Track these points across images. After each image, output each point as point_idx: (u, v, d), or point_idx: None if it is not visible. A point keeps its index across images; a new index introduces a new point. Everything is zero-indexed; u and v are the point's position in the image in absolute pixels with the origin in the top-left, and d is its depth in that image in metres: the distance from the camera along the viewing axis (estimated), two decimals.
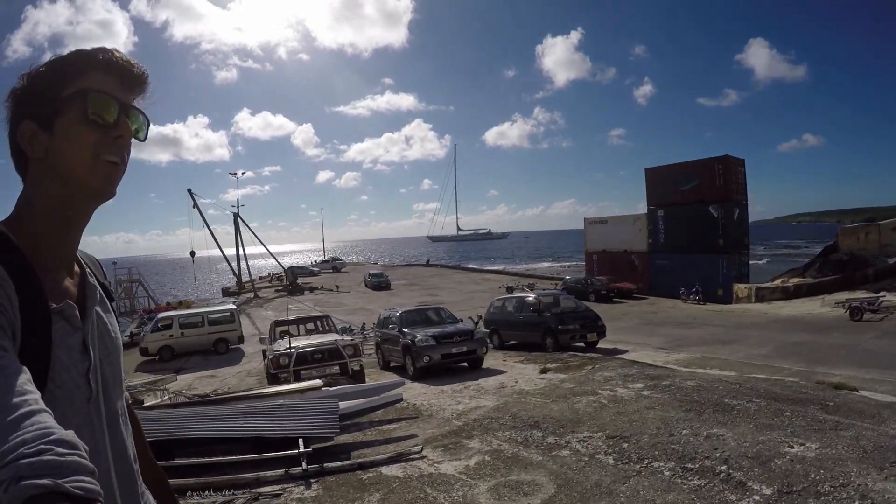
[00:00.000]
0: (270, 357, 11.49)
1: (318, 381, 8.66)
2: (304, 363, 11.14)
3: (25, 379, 0.65)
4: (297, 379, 10.29)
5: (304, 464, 5.26)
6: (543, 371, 9.97)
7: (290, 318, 14.97)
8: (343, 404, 6.65)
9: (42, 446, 0.54)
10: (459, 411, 7.26)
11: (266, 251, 44.24)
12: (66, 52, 0.93)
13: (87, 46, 0.95)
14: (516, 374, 10.15)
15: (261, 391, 8.58)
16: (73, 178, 0.88)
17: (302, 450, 5.46)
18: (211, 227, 38.08)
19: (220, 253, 40.19)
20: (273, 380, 11.15)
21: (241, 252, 41.27)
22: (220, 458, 5.50)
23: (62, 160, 0.87)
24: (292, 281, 41.45)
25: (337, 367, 11.26)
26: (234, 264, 41.26)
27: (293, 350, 11.10)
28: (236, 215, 40.75)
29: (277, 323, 14.52)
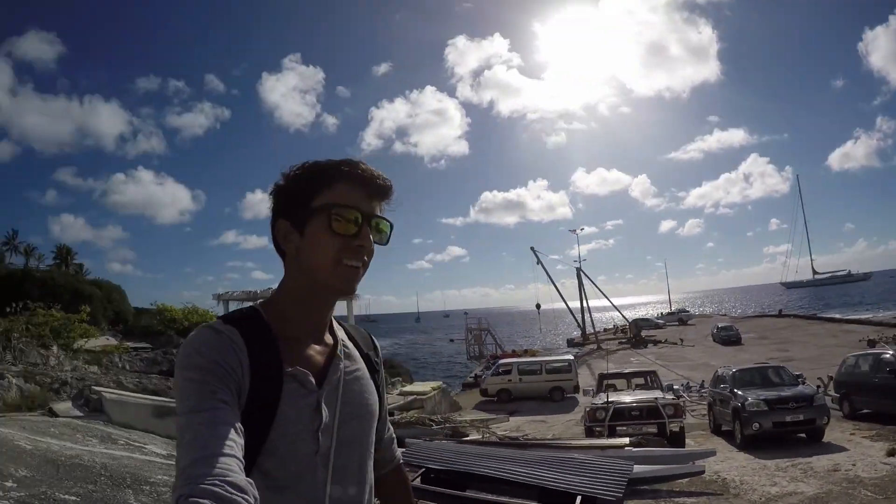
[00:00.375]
0: (587, 409, 11.58)
1: (624, 440, 8.24)
2: (620, 419, 10.87)
3: (230, 429, 0.78)
4: (612, 434, 10.22)
5: None
6: (891, 454, 7.70)
7: (614, 371, 14.63)
8: (639, 468, 6.12)
9: (217, 482, 0.68)
10: (770, 495, 6.21)
11: (610, 304, 44.53)
12: (338, 157, 1.06)
13: (337, 158, 1.06)
14: (857, 454, 8.21)
15: (562, 442, 8.59)
16: (317, 278, 0.99)
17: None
18: (556, 282, 40.72)
19: (564, 305, 42.25)
20: (589, 432, 11.15)
21: (584, 304, 42.93)
22: (504, 499, 5.66)
23: (308, 261, 0.99)
24: (636, 333, 41.49)
25: (654, 427, 10.62)
26: (579, 316, 42.82)
27: (610, 405, 10.91)
28: (579, 269, 42.85)
29: (604, 376, 14.41)
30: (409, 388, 19.92)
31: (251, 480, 0.73)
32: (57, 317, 14.31)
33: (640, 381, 14.14)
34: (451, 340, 46.01)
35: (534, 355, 31.33)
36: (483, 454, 6.97)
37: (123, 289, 34.17)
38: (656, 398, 11.23)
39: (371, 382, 1.11)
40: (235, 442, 0.77)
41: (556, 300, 41.88)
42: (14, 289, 21.94)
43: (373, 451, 1.09)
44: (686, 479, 6.44)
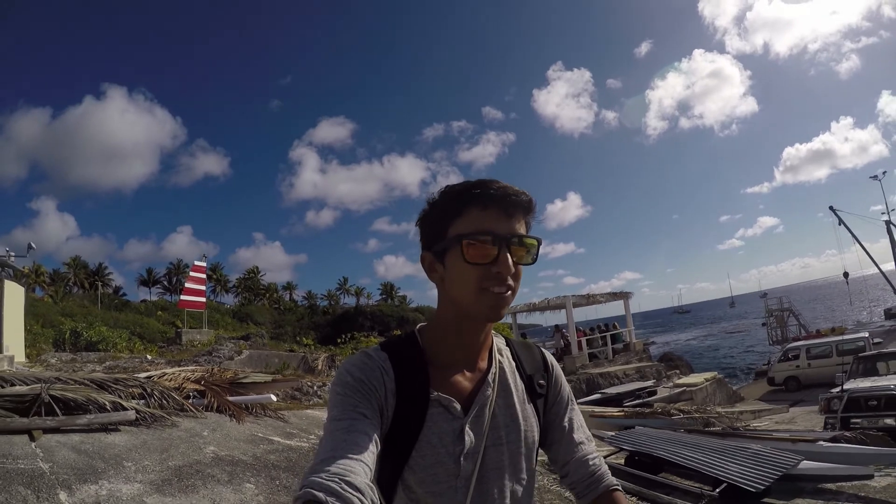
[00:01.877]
0: (822, 399, 9.98)
1: (816, 432, 7.48)
2: (855, 409, 9.24)
3: (363, 437, 0.86)
4: (845, 427, 8.74)
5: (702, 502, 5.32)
6: None
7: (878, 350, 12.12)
8: (809, 464, 5.89)
9: (336, 479, 0.75)
10: None
11: None
12: (477, 177, 1.04)
13: (474, 179, 1.02)
14: None
15: (761, 432, 8.14)
16: (461, 306, 1.01)
17: (707, 490, 5.48)
18: (863, 244, 32.87)
19: (877, 270, 34.06)
20: (826, 424, 9.69)
21: None
22: (676, 482, 6.09)
23: (452, 291, 1.02)
24: None
25: (893, 420, 8.81)
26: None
27: (844, 393, 9.38)
28: (887, 222, 33.74)
29: (860, 358, 12.03)
30: (682, 380, 19.47)
31: (371, 485, 0.79)
32: (374, 341, 18.56)
33: None
34: (763, 324, 41.18)
35: (842, 333, 26.60)
36: (677, 440, 7.37)
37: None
38: None
39: (529, 408, 1.10)
40: (365, 448, 0.84)
41: (866, 266, 33.92)
42: (349, 322, 28.38)
43: (529, 478, 1.08)
44: (866, 483, 5.85)
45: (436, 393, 1.00)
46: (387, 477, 0.98)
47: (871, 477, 5.86)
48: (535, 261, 1.04)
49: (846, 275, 35.06)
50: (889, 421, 8.88)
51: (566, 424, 1.16)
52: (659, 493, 5.61)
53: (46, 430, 4.57)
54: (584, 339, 20.84)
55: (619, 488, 1.14)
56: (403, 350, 1.04)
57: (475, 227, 0.97)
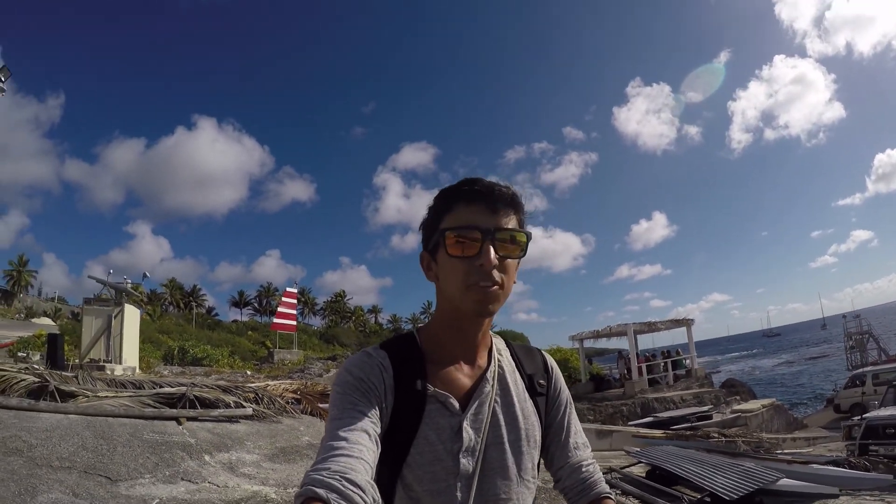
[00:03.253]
0: (844, 426, 10.48)
1: (823, 456, 8.30)
2: (874, 437, 9.67)
3: (363, 435, 0.87)
4: (863, 453, 9.31)
5: None
6: None
7: None
8: (788, 482, 6.92)
9: (338, 477, 0.76)
10: None
11: None
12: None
13: (473, 176, 1.06)
14: None
15: (779, 454, 9.00)
16: (453, 302, 1.03)
17: (689, 495, 6.65)
18: None
19: None
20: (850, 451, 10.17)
21: None
22: (676, 491, 7.19)
23: (444, 287, 1.04)
24: None
25: None
26: None
27: (863, 421, 9.89)
28: None
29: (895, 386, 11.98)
30: (740, 406, 19.74)
31: (372, 482, 0.80)
32: None
33: None
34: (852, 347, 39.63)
35: None
36: (689, 457, 8.42)
37: (526, 335, 39.81)
38: None
39: (529, 406, 1.11)
40: (365, 447, 0.85)
41: None
42: None
43: (530, 478, 1.07)
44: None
45: (433, 389, 1.01)
46: (386, 475, 0.98)
47: (835, 496, 6.81)
48: (524, 254, 1.04)
49: None
50: None
51: (563, 428, 1.16)
52: (656, 499, 6.80)
53: (189, 419, 6.49)
54: (644, 366, 21.53)
55: (611, 496, 1.14)
56: (402, 348, 1.05)
57: (459, 221, 1.00)
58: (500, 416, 1.06)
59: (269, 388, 8.36)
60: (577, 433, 1.19)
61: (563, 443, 1.17)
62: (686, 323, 23.91)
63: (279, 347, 30.18)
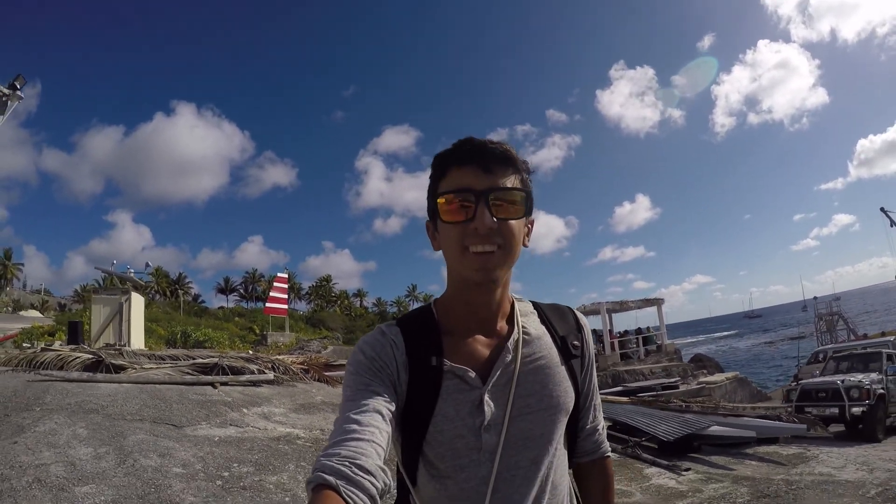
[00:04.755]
0: (783, 390, 12.08)
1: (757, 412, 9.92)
2: (806, 399, 11.22)
3: (376, 417, 0.85)
4: (799, 412, 10.94)
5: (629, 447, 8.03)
6: None
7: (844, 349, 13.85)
8: (716, 428, 8.51)
9: (347, 463, 0.75)
10: (829, 478, 7.45)
11: None
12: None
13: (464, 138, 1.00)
14: None
15: (713, 409, 10.61)
16: (454, 270, 1.01)
17: (633, 439, 8.19)
18: None
19: None
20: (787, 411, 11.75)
21: None
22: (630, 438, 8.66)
23: (446, 254, 1.01)
24: None
25: (836, 410, 10.71)
26: None
27: (798, 386, 11.50)
28: None
29: (835, 357, 13.62)
30: (706, 378, 21.44)
31: (383, 466, 0.78)
32: None
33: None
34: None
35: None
36: (641, 412, 10.03)
37: None
38: (843, 381, 10.98)
39: (561, 371, 1.04)
40: (378, 428, 0.83)
41: None
42: None
43: (558, 447, 1.03)
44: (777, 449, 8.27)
45: (449, 363, 0.97)
46: (408, 453, 0.98)
47: (750, 439, 8.41)
48: (526, 213, 1.00)
49: None
50: (832, 410, 10.85)
51: (591, 390, 1.14)
52: (610, 444, 8.41)
53: (222, 384, 7.85)
54: (616, 341, 23.22)
55: (610, 455, 1.18)
56: (417, 323, 1.03)
57: (452, 185, 0.97)
58: (526, 386, 0.99)
59: (281, 360, 9.75)
60: (596, 392, 1.16)
61: (587, 406, 1.13)
62: (657, 302, 25.56)
63: (273, 331, 31.45)
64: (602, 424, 1.19)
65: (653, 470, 7.00)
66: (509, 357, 1.01)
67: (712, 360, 26.71)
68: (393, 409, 0.90)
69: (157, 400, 6.81)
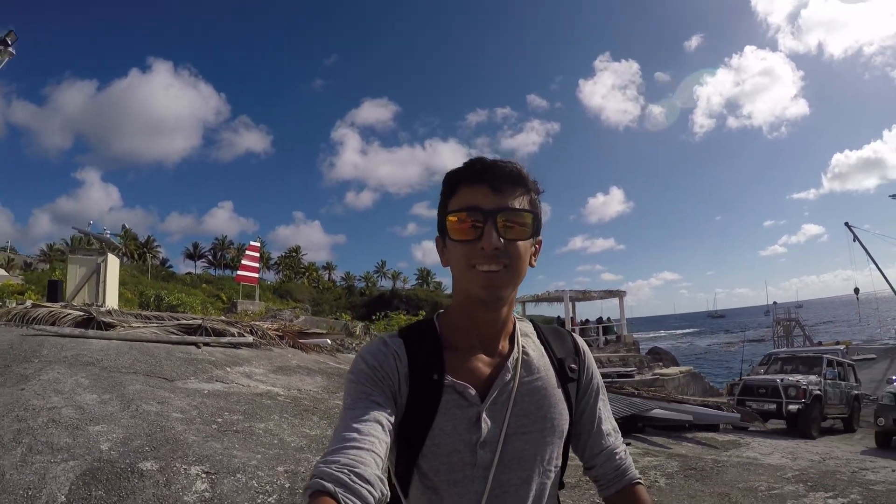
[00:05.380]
0: (727, 384, 13.21)
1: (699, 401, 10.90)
2: (748, 394, 12.37)
3: (375, 426, 0.86)
4: (740, 405, 12.01)
5: None
6: None
7: (785, 352, 15.04)
8: (657, 412, 9.41)
9: (346, 471, 0.76)
10: (756, 461, 8.26)
11: None
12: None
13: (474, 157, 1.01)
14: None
15: (659, 395, 11.56)
16: (460, 287, 1.02)
17: None
18: (878, 263, 34.89)
19: (891, 290, 35.99)
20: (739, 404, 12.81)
21: None
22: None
23: (453, 271, 1.02)
24: None
25: (773, 405, 11.83)
26: None
27: (741, 382, 12.68)
28: None
29: (775, 359, 14.97)
30: (661, 370, 22.66)
31: (381, 476, 0.80)
32: (402, 319, 22.15)
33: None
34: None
35: (848, 347, 29.15)
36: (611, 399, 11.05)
37: None
38: (782, 379, 12.07)
39: (557, 393, 1.06)
40: (377, 438, 0.84)
41: (880, 284, 35.93)
42: (385, 305, 31.79)
43: (550, 469, 1.04)
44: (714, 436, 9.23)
45: (450, 378, 0.99)
46: (403, 464, 0.99)
47: (690, 423, 9.32)
48: (532, 235, 1.01)
49: (857, 290, 37.33)
50: (770, 406, 11.99)
51: (597, 415, 1.14)
52: None
53: (205, 344, 8.38)
54: (577, 328, 24.25)
55: (642, 481, 1.14)
56: (420, 335, 1.04)
57: (461, 204, 0.98)
58: (523, 406, 1.02)
59: (259, 325, 10.30)
60: (610, 419, 1.16)
61: (597, 430, 1.14)
62: (619, 294, 26.72)
63: (241, 299, 31.69)
64: (624, 450, 1.16)
65: None
66: (508, 376, 1.03)
67: (669, 353, 28.04)
68: (393, 420, 0.91)
69: (147, 356, 7.32)
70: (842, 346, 23.83)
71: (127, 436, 4.47)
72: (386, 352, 0.99)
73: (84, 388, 5.63)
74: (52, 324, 8.32)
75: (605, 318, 26.49)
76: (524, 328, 1.13)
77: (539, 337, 1.13)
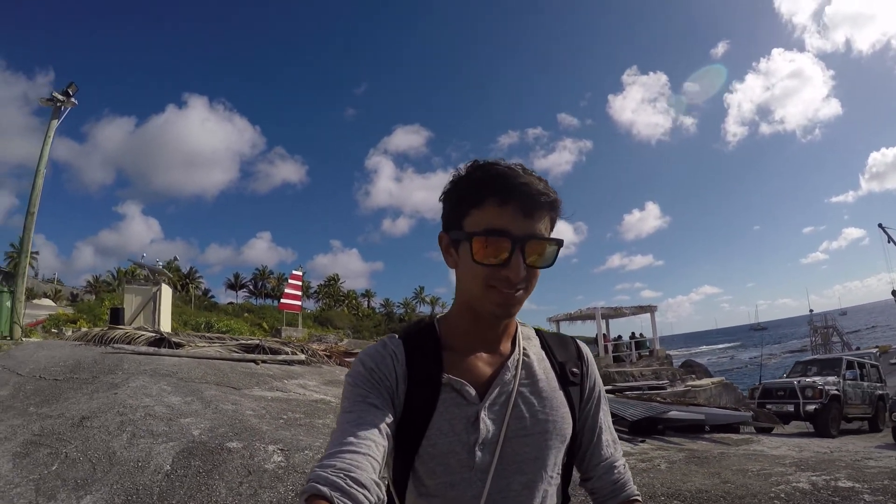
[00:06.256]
0: (749, 389, 13.59)
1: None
2: (767, 397, 12.80)
3: (372, 430, 0.84)
4: (761, 408, 12.49)
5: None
6: None
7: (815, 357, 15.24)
8: (674, 413, 10.07)
9: (342, 475, 0.75)
10: (765, 455, 8.94)
11: None
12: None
13: (502, 163, 0.96)
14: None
15: (680, 399, 12.15)
16: (471, 300, 0.97)
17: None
18: None
19: None
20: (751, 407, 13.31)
21: None
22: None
23: (462, 282, 0.98)
24: None
25: (792, 407, 12.20)
26: None
27: (761, 385, 13.10)
28: None
29: (800, 362, 15.29)
30: (693, 382, 22.87)
31: (377, 480, 0.78)
32: None
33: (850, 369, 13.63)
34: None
35: (885, 352, 28.93)
36: (621, 402, 11.66)
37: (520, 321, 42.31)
38: (799, 381, 12.41)
39: (559, 396, 1.03)
40: (374, 441, 0.83)
41: None
42: None
43: (553, 476, 1.00)
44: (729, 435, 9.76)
45: (447, 376, 0.96)
46: (398, 469, 0.97)
47: (703, 422, 9.92)
48: (551, 264, 0.97)
49: (895, 293, 36.61)
50: (789, 407, 12.36)
51: (598, 425, 1.10)
52: None
53: (262, 361, 9.47)
54: (610, 344, 24.78)
55: (639, 498, 1.10)
56: (419, 335, 1.02)
57: (489, 223, 0.91)
58: (524, 407, 0.98)
59: (309, 345, 11.40)
60: (610, 429, 1.13)
61: (597, 441, 1.10)
62: (650, 309, 27.06)
63: (286, 325, 32.98)
64: (623, 463, 1.12)
65: None
66: (509, 375, 1.00)
67: (701, 365, 28.15)
68: (390, 422, 0.89)
69: (214, 370, 8.44)
70: (874, 350, 23.75)
71: (212, 425, 5.51)
72: (384, 353, 0.97)
73: (168, 393, 6.74)
74: (128, 343, 9.54)
75: (638, 334, 26.87)
76: (526, 332, 1.11)
77: (541, 342, 1.11)
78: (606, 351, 24.47)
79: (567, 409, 1.02)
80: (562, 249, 0.97)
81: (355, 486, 0.74)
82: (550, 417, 0.99)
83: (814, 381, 12.44)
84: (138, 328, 10.61)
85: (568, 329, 31.93)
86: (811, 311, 43.58)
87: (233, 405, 6.40)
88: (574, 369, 1.08)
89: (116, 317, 16.84)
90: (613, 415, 10.05)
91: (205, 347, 9.53)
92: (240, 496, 4.21)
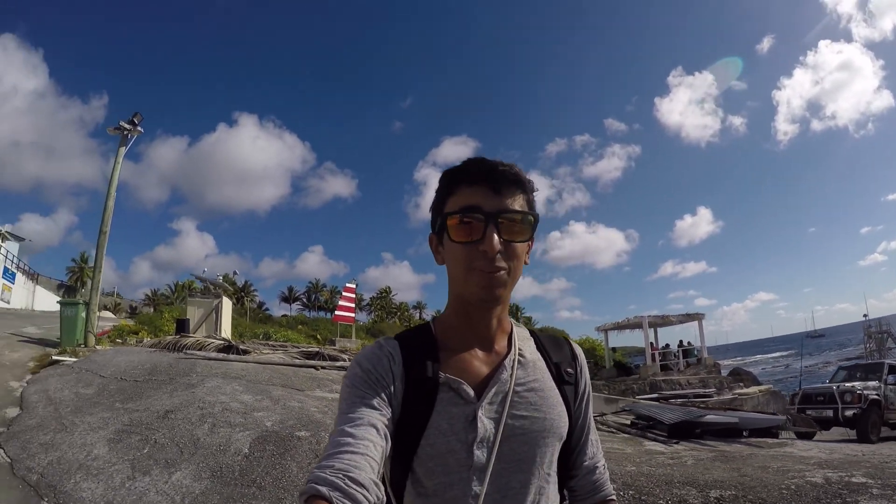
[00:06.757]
0: (789, 395, 13.61)
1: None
2: (807, 402, 12.80)
3: (371, 430, 0.85)
4: (800, 413, 12.57)
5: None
6: None
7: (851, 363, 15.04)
8: (710, 416, 10.45)
9: (341, 475, 0.75)
10: (786, 454, 9.21)
11: None
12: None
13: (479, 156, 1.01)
14: None
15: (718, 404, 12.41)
16: (458, 287, 1.00)
17: (642, 422, 10.20)
18: None
19: None
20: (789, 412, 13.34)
21: None
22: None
23: (449, 272, 1.02)
24: None
25: (830, 412, 12.16)
26: None
27: (800, 390, 13.12)
28: None
29: (843, 368, 15.15)
30: (740, 391, 22.71)
31: (377, 480, 0.79)
32: None
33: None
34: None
35: None
36: (659, 407, 12.02)
37: (567, 332, 41.77)
38: (838, 386, 12.34)
39: (555, 394, 1.04)
40: (372, 442, 0.83)
41: None
42: None
43: (550, 474, 1.02)
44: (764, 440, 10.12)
45: (444, 375, 0.97)
46: (396, 469, 0.97)
47: (736, 425, 10.22)
48: (530, 238, 1.00)
49: None
50: (828, 412, 12.33)
51: (587, 424, 1.13)
52: (627, 427, 10.43)
53: (322, 367, 10.37)
54: (657, 353, 24.85)
55: (615, 499, 1.14)
56: (416, 336, 1.04)
57: (461, 204, 0.97)
58: (521, 405, 0.99)
59: None
60: (594, 429, 1.16)
61: (584, 439, 1.13)
62: (697, 317, 26.95)
63: (340, 336, 34.10)
64: (603, 464, 1.15)
65: (652, 443, 9.00)
66: (505, 374, 1.01)
67: (749, 373, 27.74)
68: (388, 422, 0.90)
69: (279, 374, 9.37)
70: None
71: (282, 418, 6.37)
72: (380, 354, 0.98)
73: (241, 392, 7.67)
74: (200, 349, 10.61)
75: (686, 343, 26.77)
76: (521, 333, 1.12)
77: (536, 342, 1.13)
78: (654, 360, 24.53)
79: (563, 408, 1.04)
80: (539, 223, 1.01)
81: (354, 486, 0.75)
82: (548, 416, 1.00)
83: (853, 386, 12.41)
84: (207, 336, 11.71)
85: (616, 339, 32.08)
86: (865, 315, 41.99)
87: (298, 403, 7.26)
88: (569, 369, 1.10)
89: (182, 327, 18.30)
90: (651, 418, 10.51)
91: (269, 354, 10.49)
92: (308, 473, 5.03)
